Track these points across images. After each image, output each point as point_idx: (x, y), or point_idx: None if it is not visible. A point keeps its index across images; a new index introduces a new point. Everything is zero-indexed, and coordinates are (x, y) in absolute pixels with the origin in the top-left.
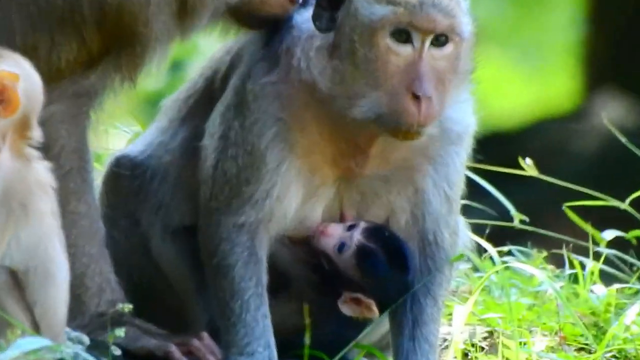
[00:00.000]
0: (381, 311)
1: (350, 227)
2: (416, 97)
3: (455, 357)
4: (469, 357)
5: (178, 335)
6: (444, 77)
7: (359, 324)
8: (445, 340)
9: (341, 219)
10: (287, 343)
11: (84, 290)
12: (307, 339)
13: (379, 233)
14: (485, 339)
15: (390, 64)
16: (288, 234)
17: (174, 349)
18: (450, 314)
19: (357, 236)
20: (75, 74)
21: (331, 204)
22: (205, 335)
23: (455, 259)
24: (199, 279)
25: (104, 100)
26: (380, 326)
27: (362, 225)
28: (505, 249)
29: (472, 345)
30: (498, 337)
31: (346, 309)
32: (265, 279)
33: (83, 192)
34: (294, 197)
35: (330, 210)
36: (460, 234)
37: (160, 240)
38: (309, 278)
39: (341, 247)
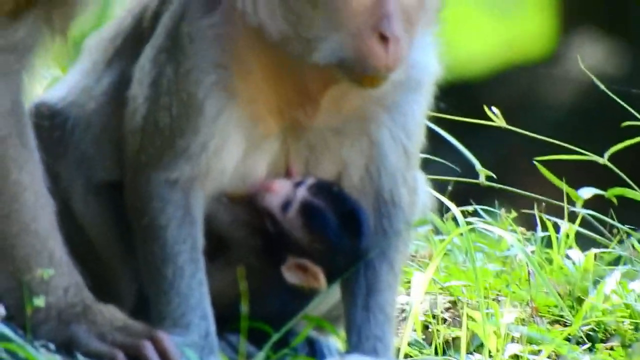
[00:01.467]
0: (330, 281)
1: (298, 184)
2: (384, 39)
3: (415, 330)
4: (430, 329)
5: (137, 332)
6: (412, 16)
7: (307, 294)
8: (403, 311)
9: (287, 175)
10: (226, 315)
11: (32, 277)
12: (243, 307)
13: (329, 189)
14: (447, 309)
15: (354, 1)
16: (227, 191)
17: (121, 357)
18: (409, 282)
19: (303, 193)
20: (1, 26)
21: (276, 159)
22: (162, 336)
23: (416, 223)
24: (127, 243)
25: (36, 58)
26: (331, 296)
27: (310, 181)
28: (469, 208)
29: (433, 316)
30: (462, 308)
31: (291, 277)
32: (201, 242)
33: (25, 160)
34: (234, 150)
35: (275, 166)
36: (420, 192)
37: (82, 199)
38: (250, 241)
39: (286, 205)
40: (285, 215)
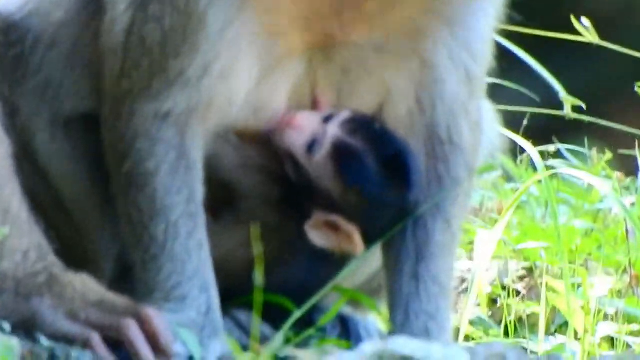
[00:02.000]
0: (368, 243)
1: (327, 119)
2: None
3: (479, 305)
4: (498, 304)
5: (118, 308)
6: None
7: (339, 260)
8: (463, 280)
9: (314, 106)
10: (234, 286)
11: None
12: (257, 277)
13: (368, 126)
14: (521, 278)
15: None
16: (236, 128)
17: (96, 340)
18: (471, 243)
19: (334, 130)
20: None
21: (300, 85)
22: (150, 314)
23: (481, 169)
24: (104, 194)
25: None
26: (369, 262)
27: (344, 115)
28: (551, 148)
29: (503, 287)
30: (540, 277)
31: (318, 238)
32: (201, 192)
33: None
34: (246, 74)
35: (299, 94)
36: (486, 128)
37: (48, 137)
38: (265, 192)
39: (313, 145)
40: (311, 158)
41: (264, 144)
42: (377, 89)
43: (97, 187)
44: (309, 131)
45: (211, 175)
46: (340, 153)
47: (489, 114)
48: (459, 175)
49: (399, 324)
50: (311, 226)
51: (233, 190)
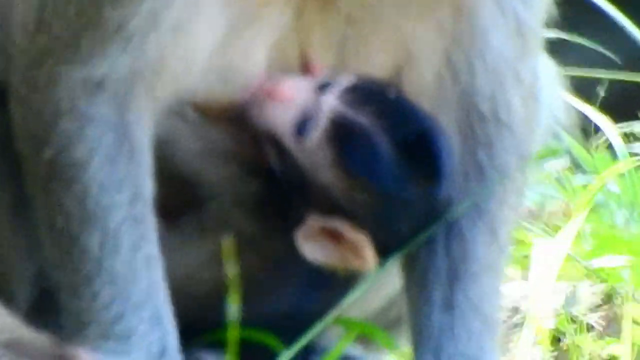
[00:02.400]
0: (383, 258)
1: (324, 87)
2: None
3: (538, 344)
4: (561, 343)
5: (38, 349)
6: None
7: (342, 282)
8: (516, 310)
9: (304, 70)
10: (199, 318)
11: None
12: (232, 306)
13: (378, 96)
14: (597, 307)
15: None
16: (197, 101)
17: None
18: (527, 259)
19: (333, 102)
20: None
21: (285, 41)
22: (81, 357)
23: (539, 156)
24: (16, 193)
25: None
26: (384, 284)
27: (346, 81)
28: (637, 128)
29: (572, 320)
30: (622, 305)
31: (312, 251)
32: (150, 189)
33: None
34: (209, 26)
35: (283, 54)
36: (546, 99)
37: None
38: (239, 189)
39: (304, 123)
40: (302, 141)
41: (235, 123)
42: (393, 46)
43: (6, 184)
44: (299, 104)
45: (164, 166)
46: (342, 132)
47: (550, 79)
48: (507, 165)
49: None
50: (304, 235)
51: (195, 187)
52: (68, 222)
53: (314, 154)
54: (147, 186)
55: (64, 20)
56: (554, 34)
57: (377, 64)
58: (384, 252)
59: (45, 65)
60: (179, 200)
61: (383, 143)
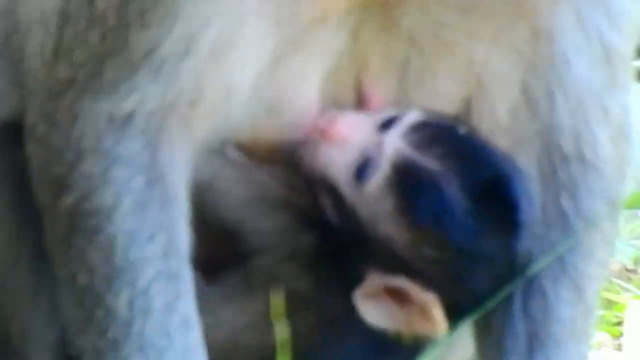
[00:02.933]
0: (454, 321)
1: (386, 124)
2: None
3: None
4: None
5: None
6: None
7: (407, 348)
8: None
9: (361, 103)
10: None
11: None
12: None
13: (448, 134)
14: None
15: None
16: (240, 138)
17: None
18: (620, 325)
19: (397, 142)
20: None
21: (339, 68)
22: None
23: (631, 202)
24: (33, 246)
25: None
26: (456, 352)
27: (411, 117)
28: None
29: None
30: None
31: (374, 313)
32: (186, 240)
33: None
34: (253, 51)
35: (337, 83)
36: (638, 136)
37: None
38: (291, 242)
39: (364, 167)
40: (362, 187)
41: (287, 165)
42: (462, 74)
43: (23, 237)
44: (357, 145)
45: (204, 214)
46: (406, 178)
47: None
48: (594, 212)
49: None
50: (364, 295)
51: (240, 239)
52: (92, 279)
53: (375, 202)
54: (183, 237)
55: (86, 46)
56: None
57: (444, 95)
58: (455, 315)
59: (66, 98)
60: (222, 254)
61: (453, 190)
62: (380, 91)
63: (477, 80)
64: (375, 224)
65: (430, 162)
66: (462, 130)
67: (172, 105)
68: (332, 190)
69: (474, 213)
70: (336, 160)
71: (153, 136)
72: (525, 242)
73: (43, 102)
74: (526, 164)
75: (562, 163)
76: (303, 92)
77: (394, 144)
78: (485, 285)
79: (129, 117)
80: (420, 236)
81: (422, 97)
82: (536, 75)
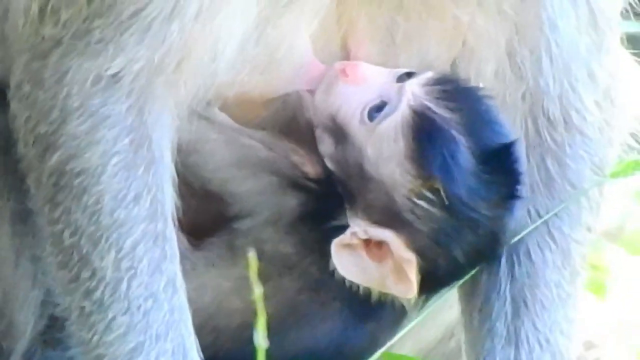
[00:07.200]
0: (438, 285)
1: (405, 75)
2: None
3: None
4: None
5: None
6: None
7: (391, 314)
8: (591, 345)
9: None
10: (230, 350)
11: None
12: (259, 337)
13: (467, 96)
14: None
15: None
16: (226, 97)
17: None
18: (604, 285)
19: (417, 90)
20: None
21: (326, 30)
22: None
23: (619, 170)
24: (19, 207)
25: None
26: (441, 314)
27: (427, 75)
28: None
29: None
30: None
31: (346, 265)
32: (171, 201)
33: None
34: (241, 10)
35: (324, 44)
36: (624, 100)
37: None
38: (277, 204)
39: (379, 109)
40: (374, 128)
41: (273, 127)
42: (448, 37)
43: (7, 197)
44: (377, 86)
45: (189, 177)
46: (423, 124)
47: (629, 79)
48: (580, 176)
49: None
50: (341, 244)
51: (224, 201)
52: (78, 240)
53: (385, 144)
54: (169, 199)
55: (73, 6)
56: (634, 27)
57: (430, 58)
58: (437, 280)
59: (52, 57)
60: (206, 217)
61: (465, 146)
62: (367, 54)
63: (463, 43)
64: (379, 166)
65: (447, 113)
66: (481, 92)
67: (158, 66)
68: (338, 131)
69: (479, 175)
70: (352, 99)
71: (139, 97)
72: (522, 206)
73: (28, 61)
74: (511, 127)
75: (548, 127)
76: (293, 49)
77: (414, 90)
78: (471, 252)
79: (115, 78)
80: (422, 185)
81: (408, 60)
82: (522, 38)
